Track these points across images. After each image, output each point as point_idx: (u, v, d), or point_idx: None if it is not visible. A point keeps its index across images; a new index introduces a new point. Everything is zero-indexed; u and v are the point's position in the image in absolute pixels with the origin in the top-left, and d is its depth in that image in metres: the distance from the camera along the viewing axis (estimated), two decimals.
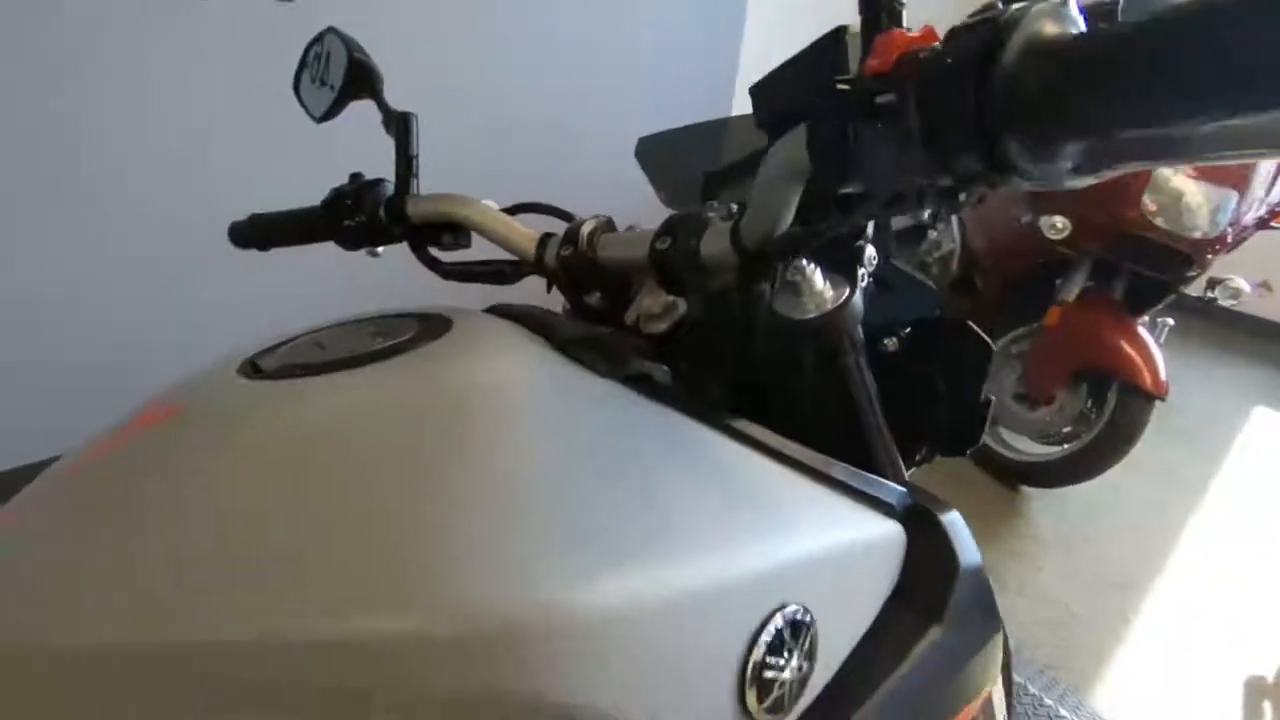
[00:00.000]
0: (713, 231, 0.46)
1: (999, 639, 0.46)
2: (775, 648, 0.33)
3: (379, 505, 0.29)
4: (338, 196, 0.67)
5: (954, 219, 2.49)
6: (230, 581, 0.27)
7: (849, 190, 0.35)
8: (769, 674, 0.33)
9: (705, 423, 0.42)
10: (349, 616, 0.26)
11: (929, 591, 0.42)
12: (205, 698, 0.25)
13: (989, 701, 0.50)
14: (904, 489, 0.45)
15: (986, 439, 2.21)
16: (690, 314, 0.50)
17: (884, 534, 0.42)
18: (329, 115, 0.70)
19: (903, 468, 0.50)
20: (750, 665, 0.32)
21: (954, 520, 0.45)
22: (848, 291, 0.45)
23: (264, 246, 0.74)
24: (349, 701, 0.26)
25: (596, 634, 0.28)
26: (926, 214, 0.42)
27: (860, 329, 0.46)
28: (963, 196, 0.32)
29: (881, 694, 0.39)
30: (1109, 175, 0.28)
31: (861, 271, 0.47)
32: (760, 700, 0.33)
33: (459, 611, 0.27)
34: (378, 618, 0.26)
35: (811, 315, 0.44)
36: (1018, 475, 2.21)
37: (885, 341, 0.54)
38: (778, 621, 0.34)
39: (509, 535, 0.29)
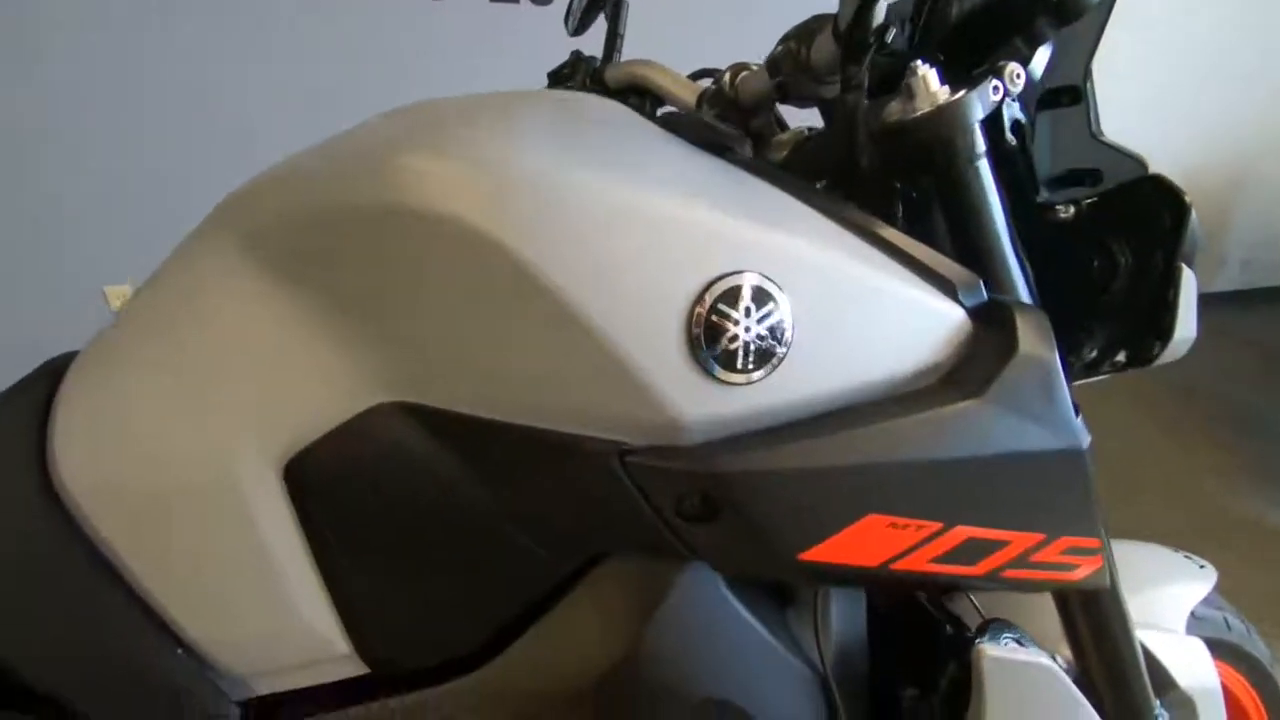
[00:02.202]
0: (821, 37, 0.46)
1: (1084, 471, 0.41)
2: (729, 300, 0.36)
3: (472, 110, 0.45)
4: (559, 69, 0.80)
5: None
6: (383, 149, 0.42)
7: None
8: (715, 319, 0.36)
9: (770, 179, 0.44)
10: (424, 151, 0.38)
11: (978, 371, 0.39)
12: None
13: (1083, 565, 0.43)
14: (983, 284, 0.42)
15: None
16: (810, 138, 0.52)
17: (935, 308, 0.40)
18: (580, 29, 0.83)
19: (1024, 288, 0.45)
20: (701, 301, 0.36)
21: (1031, 316, 0.41)
22: (964, 91, 0.42)
23: None
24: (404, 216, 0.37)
25: (563, 208, 0.35)
26: None
27: (981, 132, 0.43)
28: None
29: (876, 430, 0.38)
30: None
31: (995, 83, 0.43)
32: (709, 346, 0.36)
33: (480, 160, 0.36)
34: (426, 153, 0.38)
35: (921, 113, 0.42)
36: None
37: (1059, 208, 0.49)
38: (741, 280, 0.36)
39: (547, 138, 0.40)
